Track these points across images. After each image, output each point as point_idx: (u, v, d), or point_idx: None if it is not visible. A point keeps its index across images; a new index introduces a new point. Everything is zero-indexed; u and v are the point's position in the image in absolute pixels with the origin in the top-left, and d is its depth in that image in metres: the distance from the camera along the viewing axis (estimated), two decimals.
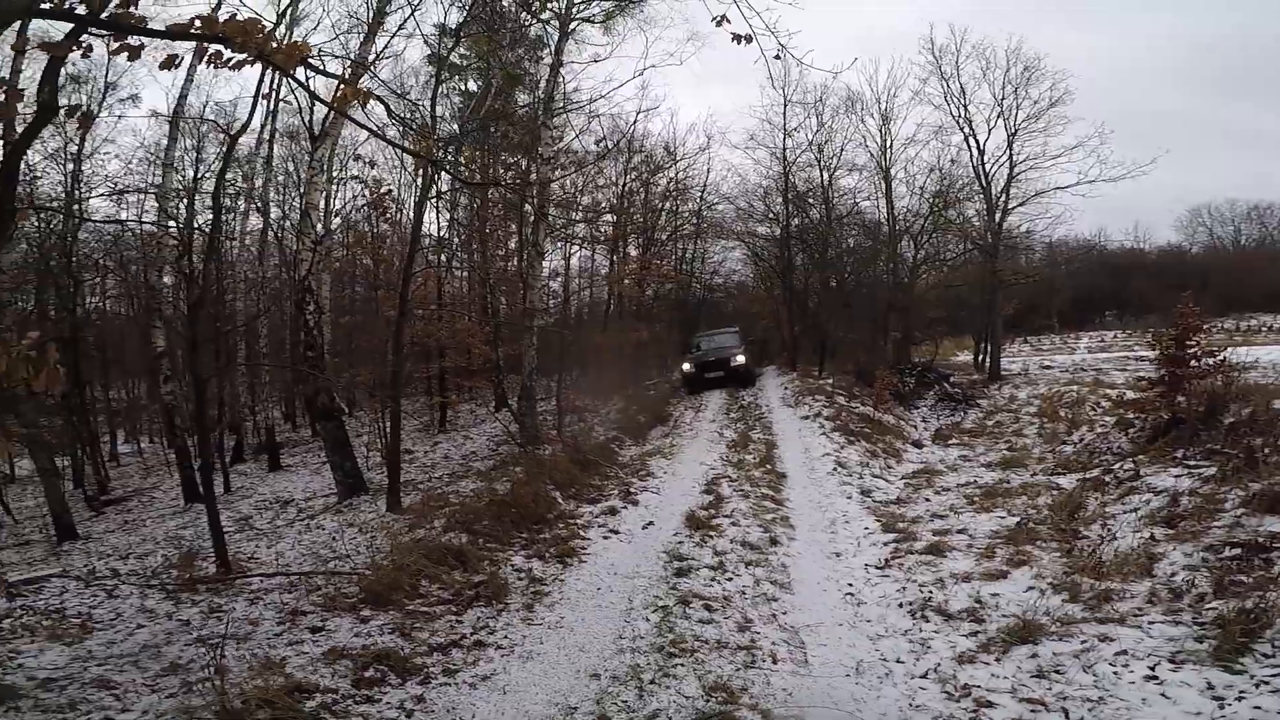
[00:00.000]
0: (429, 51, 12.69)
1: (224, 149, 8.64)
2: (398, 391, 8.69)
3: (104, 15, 3.10)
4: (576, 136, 14.27)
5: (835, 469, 7.66)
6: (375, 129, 4.65)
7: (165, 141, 12.07)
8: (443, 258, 15.02)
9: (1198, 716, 2.79)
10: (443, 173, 7.70)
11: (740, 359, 15.85)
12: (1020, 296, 21.76)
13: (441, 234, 15.11)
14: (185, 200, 11.56)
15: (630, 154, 16.86)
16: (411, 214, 9.47)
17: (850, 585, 4.47)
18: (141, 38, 3.29)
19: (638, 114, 16.93)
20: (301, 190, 8.78)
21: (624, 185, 16.58)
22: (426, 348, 12.81)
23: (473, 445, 14.93)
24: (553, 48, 9.63)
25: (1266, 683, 2.93)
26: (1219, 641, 3.27)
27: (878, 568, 4.78)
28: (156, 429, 20.56)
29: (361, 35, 8.32)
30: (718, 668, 3.27)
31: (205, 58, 3.24)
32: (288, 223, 12.75)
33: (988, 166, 17.27)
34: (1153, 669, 3.19)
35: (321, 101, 3.57)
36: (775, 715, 2.88)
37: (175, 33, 3.13)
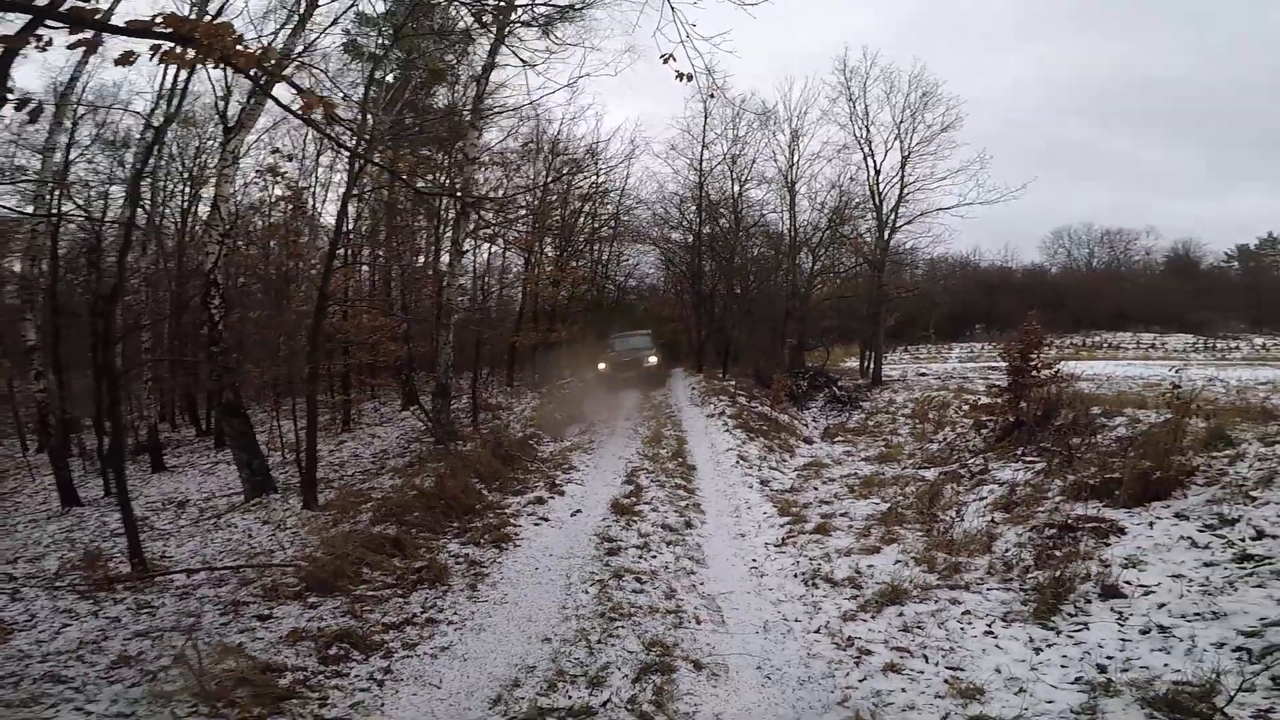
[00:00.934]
0: (345, 40, 12.41)
1: (151, 140, 8.14)
2: (314, 386, 8.62)
3: (62, 9, 3.20)
4: (505, 138, 14.38)
5: (738, 462, 8.49)
6: (321, 126, 4.77)
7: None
8: (361, 253, 14.64)
9: (1022, 662, 3.57)
10: (371, 168, 7.73)
11: (653, 360, 16.52)
12: (902, 309, 23.53)
13: (354, 230, 14.68)
14: (89, 190, 10.66)
15: (554, 156, 17.11)
16: (335, 209, 9.32)
17: (754, 560, 5.21)
18: (101, 32, 3.39)
19: (562, 120, 17.04)
20: (213, 181, 8.46)
21: (545, 187, 16.81)
22: (333, 344, 12.53)
23: (382, 444, 14.70)
24: (487, 49, 9.75)
25: (1070, 636, 3.82)
26: (1037, 604, 4.16)
27: (776, 545, 5.57)
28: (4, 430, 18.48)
29: (287, 24, 8.16)
30: (653, 628, 3.85)
31: (160, 54, 3.39)
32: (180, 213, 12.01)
33: (882, 186, 18.65)
34: (990, 626, 4.03)
35: (290, 112, 3.67)
36: (704, 664, 3.50)
37: (137, 30, 3.27)
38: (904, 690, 3.34)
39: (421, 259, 17.42)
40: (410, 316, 14.17)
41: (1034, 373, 8.33)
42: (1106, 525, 4.91)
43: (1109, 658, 3.43)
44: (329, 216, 14.77)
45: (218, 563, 6.35)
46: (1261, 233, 46.71)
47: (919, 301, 27.77)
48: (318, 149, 16.48)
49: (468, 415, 14.24)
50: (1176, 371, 6.91)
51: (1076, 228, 47.88)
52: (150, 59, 3.37)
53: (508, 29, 10.10)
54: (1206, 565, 4.11)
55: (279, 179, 11.44)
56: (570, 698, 3.20)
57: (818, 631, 4.01)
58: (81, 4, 3.27)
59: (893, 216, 18.62)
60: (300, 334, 10.39)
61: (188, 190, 16.51)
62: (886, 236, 18.79)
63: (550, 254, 18.55)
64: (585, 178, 18.73)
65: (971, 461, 8.00)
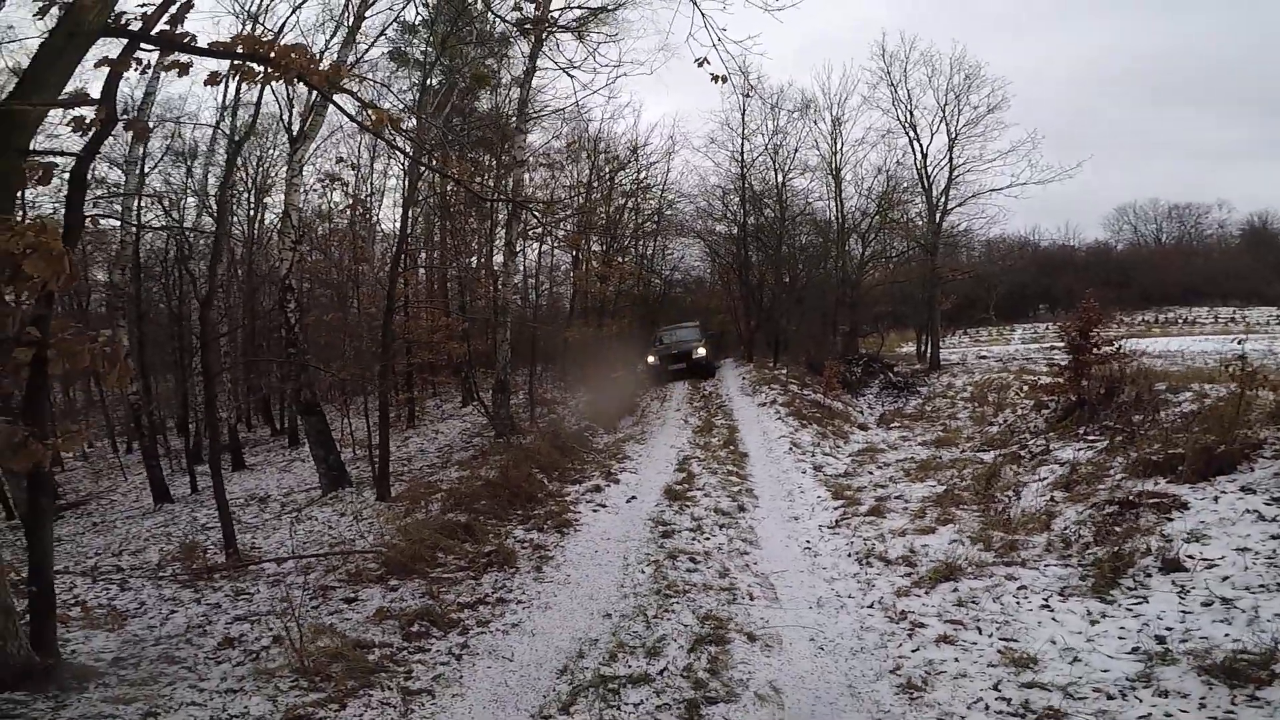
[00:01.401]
0: (391, 48, 12.93)
1: (230, 153, 8.84)
2: (387, 384, 9.15)
3: (153, 33, 3.59)
4: (550, 140, 14.77)
5: (791, 448, 8.58)
6: (386, 136, 5.12)
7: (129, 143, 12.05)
8: (419, 256, 15.34)
9: (1077, 634, 3.62)
10: (427, 172, 8.15)
11: (701, 351, 16.65)
12: (959, 291, 23.06)
13: (411, 233, 15.37)
14: (178, 202, 11.58)
15: (597, 154, 17.43)
16: (391, 214, 9.84)
17: (808, 541, 5.34)
18: (191, 55, 3.77)
19: (602, 119, 17.32)
20: (283, 192, 9.07)
21: (590, 184, 17.15)
22: (399, 344, 13.20)
23: (445, 439, 15.34)
24: (527, 54, 10.06)
25: (1129, 609, 3.83)
26: (1095, 578, 4.18)
27: (829, 527, 5.67)
28: (97, 433, 20.10)
29: (335, 36, 8.64)
30: (707, 604, 4.06)
31: (239, 73, 3.75)
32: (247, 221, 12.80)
33: (930, 169, 18.39)
34: (1046, 600, 4.07)
35: (359, 124, 4.01)
36: (759, 634, 3.68)
37: (222, 52, 3.65)
38: (956, 660, 3.43)
39: (474, 260, 18.07)
40: (469, 316, 14.73)
41: (1094, 350, 8.08)
42: (1169, 500, 4.81)
43: (1168, 629, 3.44)
44: (386, 222, 15.51)
45: (304, 552, 6.87)
46: None
47: (977, 283, 26.96)
48: (372, 155, 17.30)
49: (525, 410, 14.73)
50: (1240, 343, 6.60)
51: (1142, 204, 45.86)
52: (232, 78, 3.78)
53: (545, 34, 10.40)
54: (1273, 538, 4.01)
55: (341, 185, 12.09)
56: (630, 667, 3.44)
57: (871, 606, 4.13)
58: (169, 29, 3.68)
59: (943, 199, 18.37)
60: (367, 335, 11.01)
61: (252, 199, 17.64)
62: (938, 219, 18.50)
63: (597, 250, 18.89)
64: (628, 174, 18.98)
65: (1032, 442, 7.85)
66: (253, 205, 14.96)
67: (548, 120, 12.87)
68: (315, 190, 14.47)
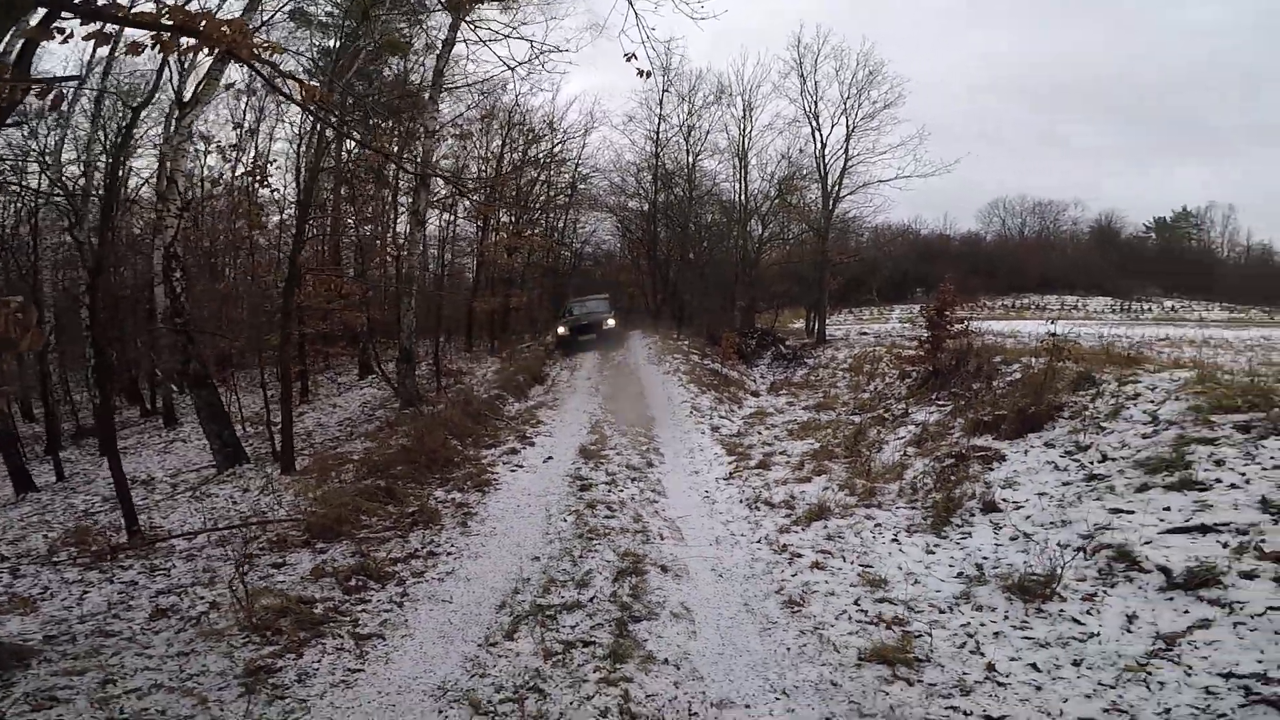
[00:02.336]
0: (293, 7, 12.24)
1: (128, 121, 8.11)
2: (287, 354, 8.97)
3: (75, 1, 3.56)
4: (466, 111, 14.50)
5: (692, 411, 9.39)
6: (313, 110, 5.13)
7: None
8: (316, 223, 14.65)
9: (918, 562, 4.52)
10: (345, 140, 7.98)
11: (611, 322, 17.13)
12: (847, 274, 24.82)
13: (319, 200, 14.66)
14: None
15: (511, 126, 17.26)
16: (288, 181, 9.50)
17: (706, 491, 6.11)
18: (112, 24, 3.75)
19: (517, 94, 17.00)
20: (169, 157, 8.53)
21: (501, 155, 17.02)
22: (299, 313, 12.71)
23: (345, 413, 14.96)
24: (448, 24, 9.89)
25: (957, 542, 4.80)
26: (933, 518, 5.17)
27: (724, 479, 6.48)
28: None
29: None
30: (624, 544, 4.66)
31: (162, 45, 3.79)
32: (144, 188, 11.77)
33: (827, 158, 19.43)
34: (895, 535, 5.01)
35: (285, 96, 4.02)
36: (670, 566, 4.33)
37: (147, 23, 3.67)
38: (826, 582, 4.25)
39: (369, 228, 17.44)
40: (373, 284, 14.36)
41: (948, 328, 9.40)
42: (991, 453, 5.97)
43: (984, 558, 4.41)
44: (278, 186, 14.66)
45: (210, 529, 6.76)
46: (1176, 206, 50.67)
47: (864, 267, 29.10)
48: (257, 119, 16.18)
49: (430, 381, 14.66)
50: (1052, 324, 8.03)
51: (1011, 198, 50.64)
52: (153, 49, 3.78)
53: (469, 6, 10.25)
54: (1064, 484, 5.12)
55: (232, 150, 11.37)
56: (562, 597, 3.98)
57: (759, 542, 4.91)
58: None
59: (837, 187, 19.50)
60: (260, 304, 10.61)
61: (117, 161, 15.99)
62: (830, 206, 19.68)
63: (506, 221, 18.81)
64: (542, 148, 18.94)
65: (895, 406, 9.09)
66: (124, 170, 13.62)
67: (462, 91, 12.67)
68: (211, 154, 13.48)
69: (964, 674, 3.10)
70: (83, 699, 3.22)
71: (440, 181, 11.80)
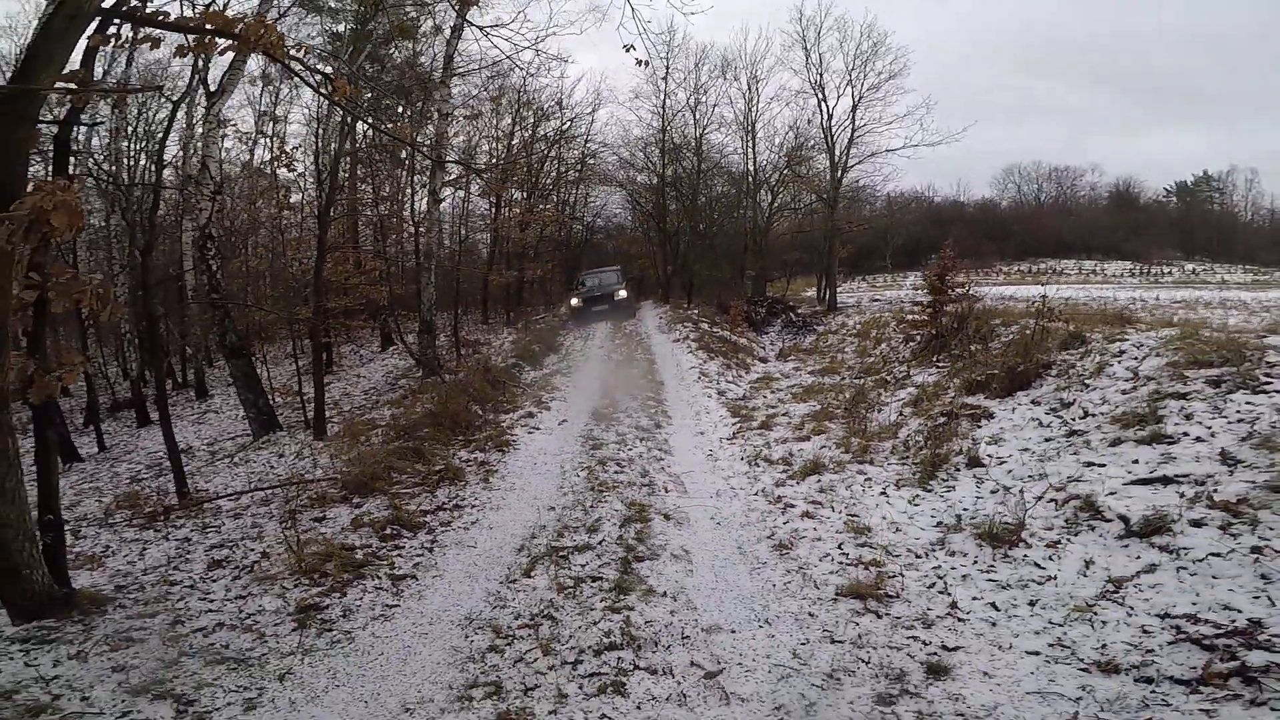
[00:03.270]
0: None
1: (171, 113, 8.56)
2: (319, 326, 9.46)
3: (124, 8, 3.95)
4: (477, 94, 14.71)
5: (700, 377, 9.78)
6: (339, 102, 5.45)
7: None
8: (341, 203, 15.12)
9: (902, 513, 4.85)
10: (361, 125, 8.34)
11: (623, 293, 17.50)
12: (859, 241, 24.93)
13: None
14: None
15: (520, 105, 17.45)
16: (328, 165, 9.89)
17: (710, 450, 6.52)
18: (163, 31, 4.13)
19: (526, 74, 17.06)
20: (200, 143, 8.94)
21: (512, 133, 17.24)
22: (328, 288, 13.23)
23: (369, 383, 15.56)
24: (456, 9, 10.10)
25: (941, 495, 5.13)
26: (921, 473, 5.51)
27: (728, 439, 6.88)
28: None
29: None
30: (632, 495, 5.10)
31: (204, 48, 4.16)
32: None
33: (834, 129, 19.48)
34: (884, 489, 5.35)
35: (314, 89, 4.34)
36: (672, 514, 4.77)
37: (191, 27, 4.04)
38: (814, 529, 4.64)
39: (386, 206, 17.82)
40: (394, 260, 14.83)
41: (949, 292, 9.61)
42: (980, 411, 6.27)
43: (965, 509, 4.74)
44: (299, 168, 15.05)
45: (254, 489, 7.33)
46: (1197, 170, 49.36)
47: (877, 234, 28.97)
48: (274, 103, 16.49)
49: (449, 351, 15.17)
50: (1044, 287, 8.23)
51: (1026, 165, 49.81)
52: (195, 52, 4.16)
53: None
54: (1046, 440, 5.42)
55: (261, 136, 11.79)
56: (574, 540, 4.44)
57: (756, 494, 5.32)
58: (140, 4, 4.00)
59: (844, 157, 19.56)
60: (294, 281, 11.12)
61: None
62: (839, 176, 19.75)
63: (519, 197, 19.09)
64: (552, 124, 19.11)
65: (898, 369, 9.37)
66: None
67: (472, 73, 12.88)
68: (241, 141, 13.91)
69: (928, 610, 3.48)
70: (156, 638, 3.67)
71: (475, 171, 12.10)
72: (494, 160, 17.35)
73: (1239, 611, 2.89)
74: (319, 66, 5.21)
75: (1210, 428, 4.49)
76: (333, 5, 11.57)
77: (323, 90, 4.88)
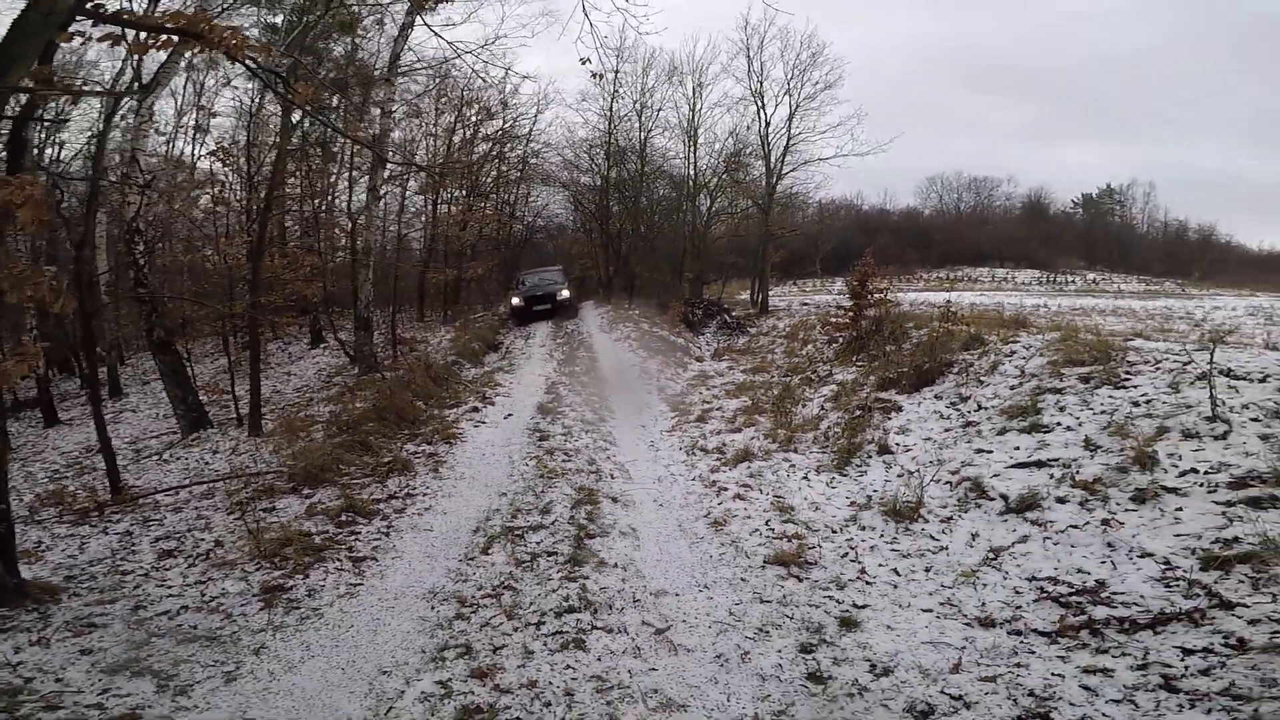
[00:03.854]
0: None
1: (110, 108, 8.12)
2: (256, 322, 9.33)
3: (88, 5, 4.01)
4: (422, 95, 14.60)
5: (640, 374, 10.23)
6: (278, 89, 5.51)
7: None
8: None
9: (821, 494, 5.43)
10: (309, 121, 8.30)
11: (565, 293, 17.62)
12: (791, 247, 25.97)
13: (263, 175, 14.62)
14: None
15: (463, 104, 17.35)
16: (267, 160, 9.71)
17: (651, 441, 6.99)
18: (124, 28, 4.20)
19: (472, 73, 16.97)
20: (130, 136, 8.67)
21: (453, 130, 17.16)
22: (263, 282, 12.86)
23: (300, 380, 15.16)
24: (405, 8, 10.09)
25: (855, 479, 5.70)
26: (838, 460, 6.12)
27: (667, 431, 7.38)
28: None
29: None
30: (580, 481, 5.47)
31: (165, 45, 4.27)
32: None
33: (771, 136, 20.32)
34: (805, 474, 5.94)
35: (274, 90, 4.35)
36: (619, 497, 5.17)
37: (153, 26, 4.14)
38: (744, 509, 5.15)
39: (319, 202, 17.40)
40: (330, 256, 14.55)
41: (869, 297, 10.46)
42: (891, 405, 7.01)
43: (875, 490, 5.36)
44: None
45: (193, 483, 7.22)
46: (1102, 183, 53.89)
47: (808, 240, 30.23)
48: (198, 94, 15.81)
49: (385, 348, 15.01)
50: (958, 293, 9.16)
51: (948, 174, 52.91)
52: (156, 49, 4.25)
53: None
54: (945, 430, 6.15)
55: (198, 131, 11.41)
56: (528, 520, 4.77)
57: (693, 479, 5.82)
58: (102, 2, 4.06)
59: (780, 164, 20.45)
60: (224, 277, 10.86)
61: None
62: (774, 182, 20.62)
63: (458, 195, 18.98)
64: (494, 125, 19.08)
65: (821, 368, 10.12)
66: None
67: (417, 71, 12.80)
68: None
69: (841, 574, 4.02)
70: (119, 623, 3.77)
71: (393, 157, 12.03)
72: (434, 158, 17.21)
73: (1089, 574, 3.53)
74: (275, 66, 5.25)
75: (1079, 418, 5.28)
76: None
77: (279, 90, 5.01)
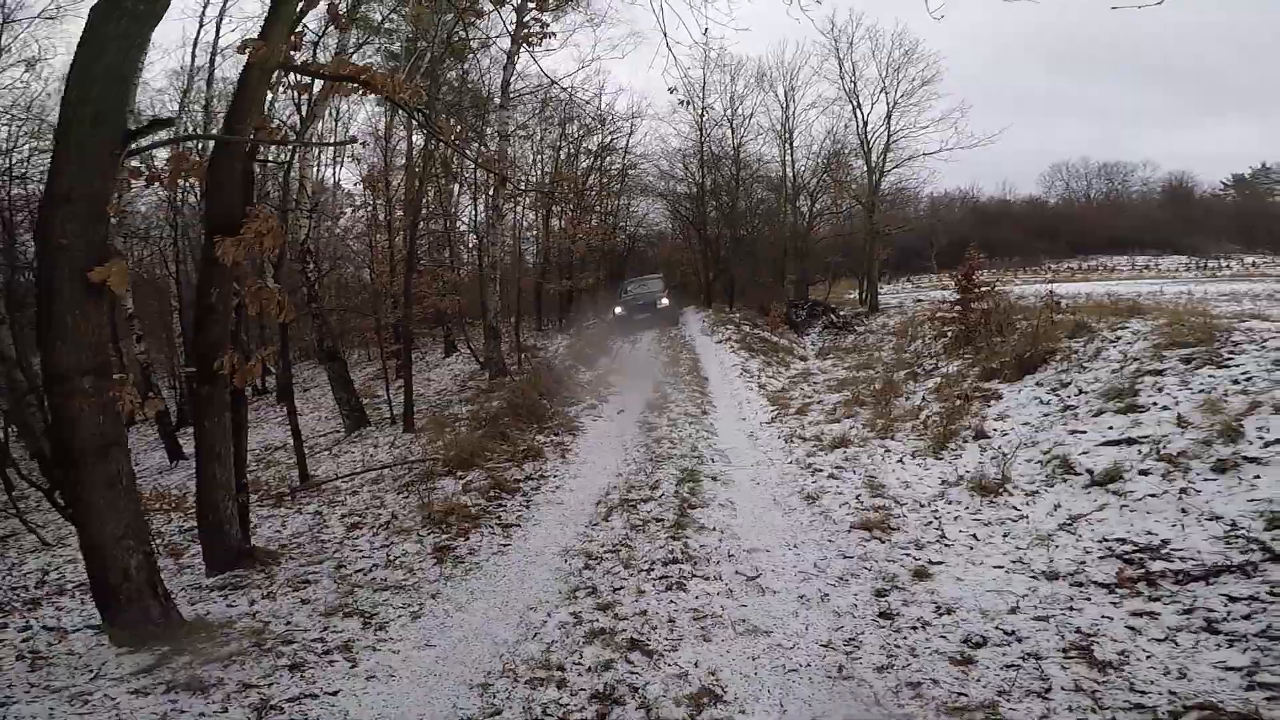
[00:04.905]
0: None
1: (298, 142, 10.12)
2: (409, 332, 10.88)
3: (294, 63, 5.21)
4: (532, 118, 16.12)
5: (741, 373, 10.79)
6: (434, 131, 6.70)
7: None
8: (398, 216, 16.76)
9: (914, 474, 5.76)
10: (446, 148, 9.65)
11: (665, 300, 18.49)
12: (902, 243, 25.33)
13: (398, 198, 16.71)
14: None
15: (566, 122, 18.80)
16: (411, 187, 11.31)
17: (751, 431, 7.56)
18: (313, 78, 5.41)
19: (572, 92, 18.42)
20: (298, 167, 10.47)
21: (558, 147, 18.61)
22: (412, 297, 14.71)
23: (438, 385, 17.05)
24: (510, 34, 11.33)
25: (949, 461, 5.97)
26: (934, 445, 6.40)
27: (766, 423, 7.90)
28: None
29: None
30: (684, 464, 6.20)
31: (339, 91, 5.44)
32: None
33: (870, 135, 20.33)
34: (900, 458, 6.27)
35: (425, 128, 5.47)
36: (719, 477, 5.84)
37: (333, 76, 5.30)
38: (837, 487, 5.61)
39: (446, 221, 19.40)
40: (458, 270, 16.31)
41: (975, 291, 10.35)
42: (991, 393, 7.11)
43: (966, 470, 5.61)
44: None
45: (365, 470, 8.69)
46: (1254, 163, 47.81)
47: (920, 235, 29.28)
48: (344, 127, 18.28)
49: (510, 355, 16.56)
50: (1051, 284, 8.92)
51: (1074, 162, 48.94)
52: (330, 95, 5.46)
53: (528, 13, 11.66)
54: (1044, 415, 6.22)
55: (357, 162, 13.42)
56: (640, 494, 5.56)
57: (790, 463, 6.34)
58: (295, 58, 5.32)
59: (881, 162, 20.37)
60: (382, 292, 12.65)
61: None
62: (876, 180, 20.52)
63: (571, 211, 20.44)
64: (594, 139, 20.38)
65: (928, 362, 10.17)
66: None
67: (530, 100, 14.19)
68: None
69: (921, 538, 4.43)
70: (326, 579, 4.81)
71: (513, 176, 13.38)
72: (542, 175, 18.66)
73: (1155, 535, 3.75)
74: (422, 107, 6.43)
75: (1176, 398, 5.26)
76: (388, 26, 13.03)
77: (423, 124, 6.15)
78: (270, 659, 3.51)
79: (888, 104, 19.91)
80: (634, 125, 21.40)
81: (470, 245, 17.71)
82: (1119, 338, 6.90)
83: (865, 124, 20.33)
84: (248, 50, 4.61)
